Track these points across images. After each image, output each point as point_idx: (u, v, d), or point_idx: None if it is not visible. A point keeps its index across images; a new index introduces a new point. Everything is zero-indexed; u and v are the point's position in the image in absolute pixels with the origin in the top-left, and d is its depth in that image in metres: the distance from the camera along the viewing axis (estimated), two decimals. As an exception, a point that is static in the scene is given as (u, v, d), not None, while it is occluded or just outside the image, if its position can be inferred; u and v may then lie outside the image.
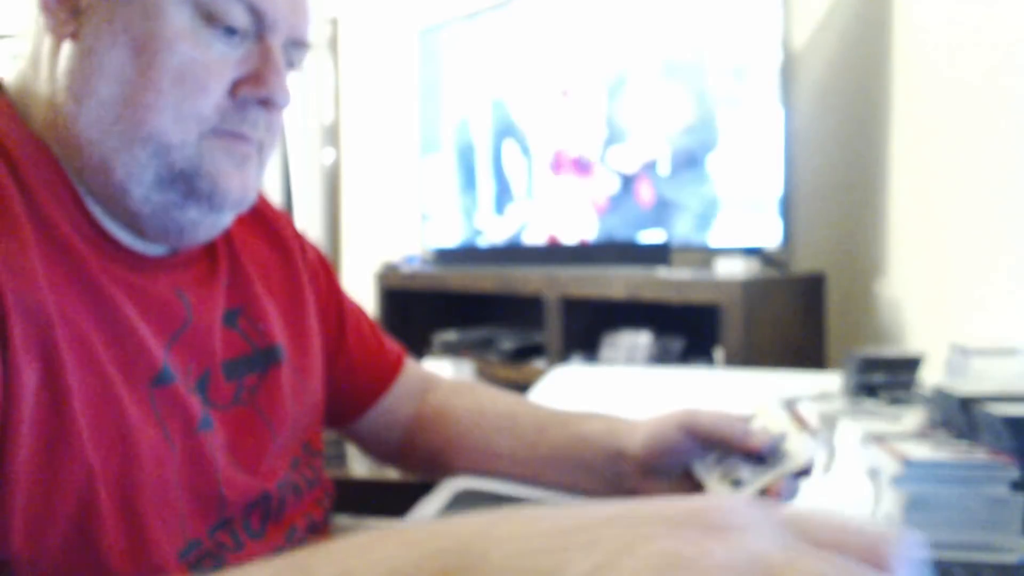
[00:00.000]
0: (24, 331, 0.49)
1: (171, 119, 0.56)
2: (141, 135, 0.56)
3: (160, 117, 0.55)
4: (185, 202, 0.58)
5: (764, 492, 0.64)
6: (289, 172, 3.34)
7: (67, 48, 0.56)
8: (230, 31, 0.57)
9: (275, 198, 2.62)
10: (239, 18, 0.57)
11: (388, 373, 0.86)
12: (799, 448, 0.58)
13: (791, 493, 0.58)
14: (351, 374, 0.83)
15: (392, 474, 0.97)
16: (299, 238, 0.80)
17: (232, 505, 0.61)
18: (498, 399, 0.85)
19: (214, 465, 0.60)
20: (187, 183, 0.58)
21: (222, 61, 0.57)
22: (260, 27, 0.58)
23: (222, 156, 0.58)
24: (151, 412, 0.56)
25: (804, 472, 0.61)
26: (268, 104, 0.59)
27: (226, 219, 0.63)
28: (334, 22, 3.57)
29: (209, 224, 0.61)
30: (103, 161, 0.56)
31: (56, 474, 0.50)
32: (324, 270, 0.82)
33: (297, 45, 0.62)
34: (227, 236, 0.70)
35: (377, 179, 3.40)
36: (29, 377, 0.49)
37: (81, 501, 0.51)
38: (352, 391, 0.83)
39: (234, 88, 0.58)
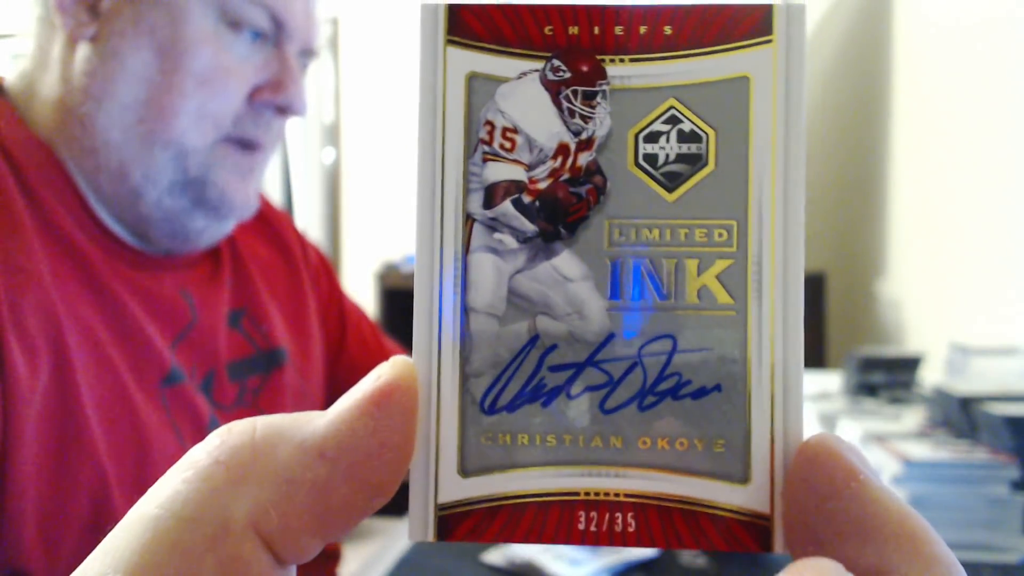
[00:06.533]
0: (28, 331, 0.48)
1: (192, 122, 0.56)
2: (163, 138, 0.56)
3: (182, 120, 0.56)
4: (194, 210, 0.59)
5: None
6: (289, 172, 3.34)
7: (84, 50, 0.55)
8: (252, 37, 0.58)
9: (275, 198, 2.60)
10: (262, 25, 0.58)
11: None
12: None
13: None
14: (352, 375, 0.83)
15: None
16: (300, 240, 0.80)
17: None
18: None
19: None
20: (197, 191, 0.58)
21: (242, 67, 0.58)
22: (279, 36, 0.59)
23: (230, 166, 0.59)
24: (163, 412, 0.56)
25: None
26: (286, 111, 0.60)
27: (229, 226, 0.64)
28: (335, 22, 3.57)
29: (213, 231, 0.62)
30: (120, 164, 0.56)
31: (68, 478, 0.49)
32: (325, 272, 0.83)
33: (307, 54, 0.63)
34: (230, 238, 0.70)
35: (377, 179, 3.40)
36: (36, 378, 0.48)
37: (95, 505, 0.50)
38: None
39: (253, 94, 0.59)
